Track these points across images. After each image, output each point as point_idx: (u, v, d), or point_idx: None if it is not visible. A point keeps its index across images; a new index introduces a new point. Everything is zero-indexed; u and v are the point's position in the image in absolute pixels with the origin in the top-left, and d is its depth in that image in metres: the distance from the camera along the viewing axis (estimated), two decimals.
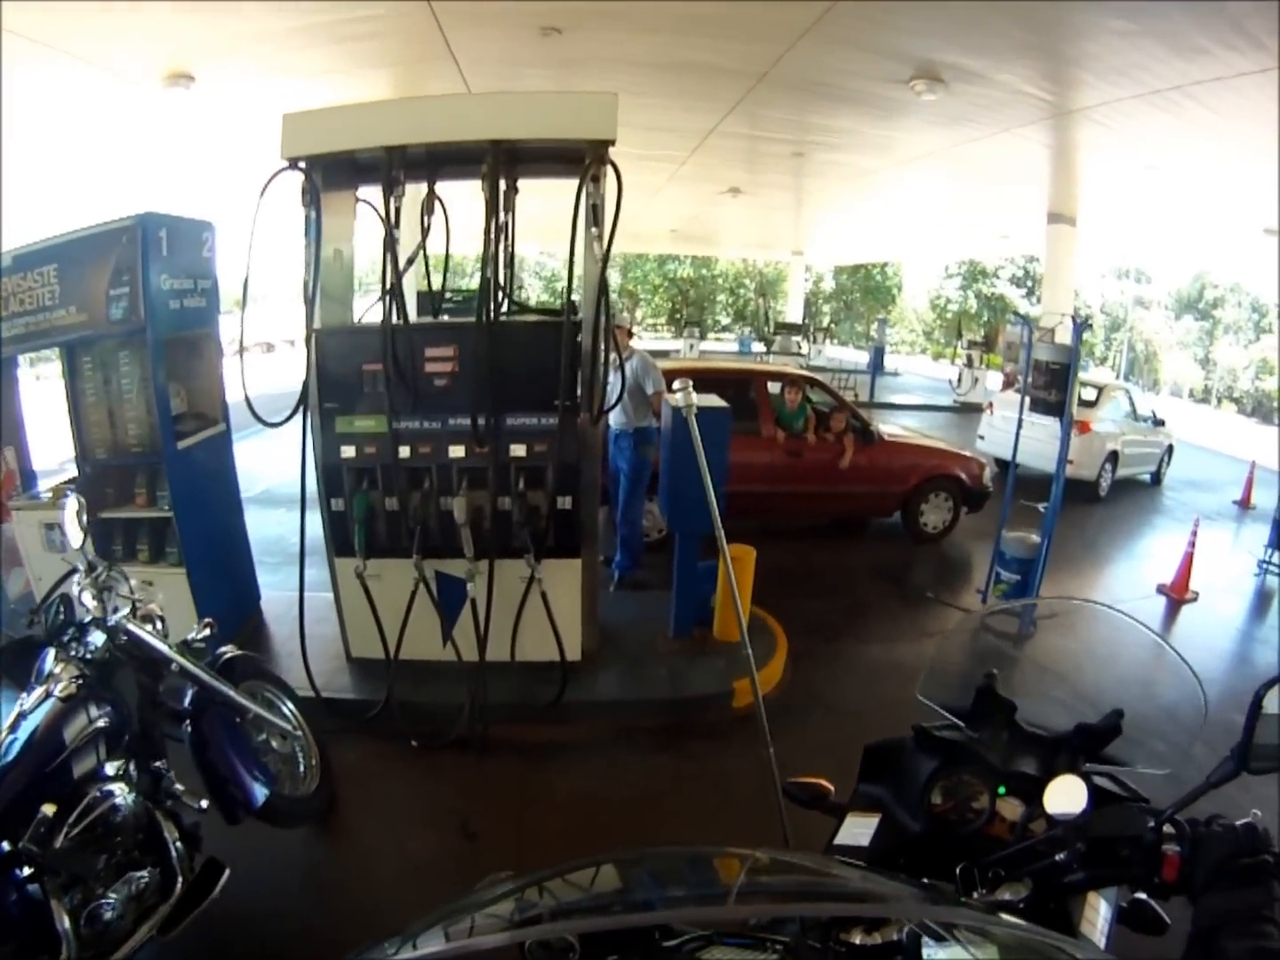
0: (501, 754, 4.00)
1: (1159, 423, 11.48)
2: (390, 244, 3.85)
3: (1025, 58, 6.52)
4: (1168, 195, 10.88)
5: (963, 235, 19.22)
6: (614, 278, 39.87)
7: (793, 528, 7.92)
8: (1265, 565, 7.91)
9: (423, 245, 4.06)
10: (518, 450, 4.06)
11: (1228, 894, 1.10)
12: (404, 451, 4.06)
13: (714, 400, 5.03)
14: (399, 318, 3.90)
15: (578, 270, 3.97)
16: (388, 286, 3.89)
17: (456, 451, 4.04)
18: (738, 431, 5.77)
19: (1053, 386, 6.23)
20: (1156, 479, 11.93)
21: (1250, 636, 6.53)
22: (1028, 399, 6.49)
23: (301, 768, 3.51)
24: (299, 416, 4.04)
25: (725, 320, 40.27)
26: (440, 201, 4.12)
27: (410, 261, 4.07)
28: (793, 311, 28.05)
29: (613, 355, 4.11)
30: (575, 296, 3.99)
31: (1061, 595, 6.39)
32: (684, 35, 6.61)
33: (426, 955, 0.99)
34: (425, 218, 3.96)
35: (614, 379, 5.09)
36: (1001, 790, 1.52)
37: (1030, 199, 12.38)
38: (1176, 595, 6.93)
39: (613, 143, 3.74)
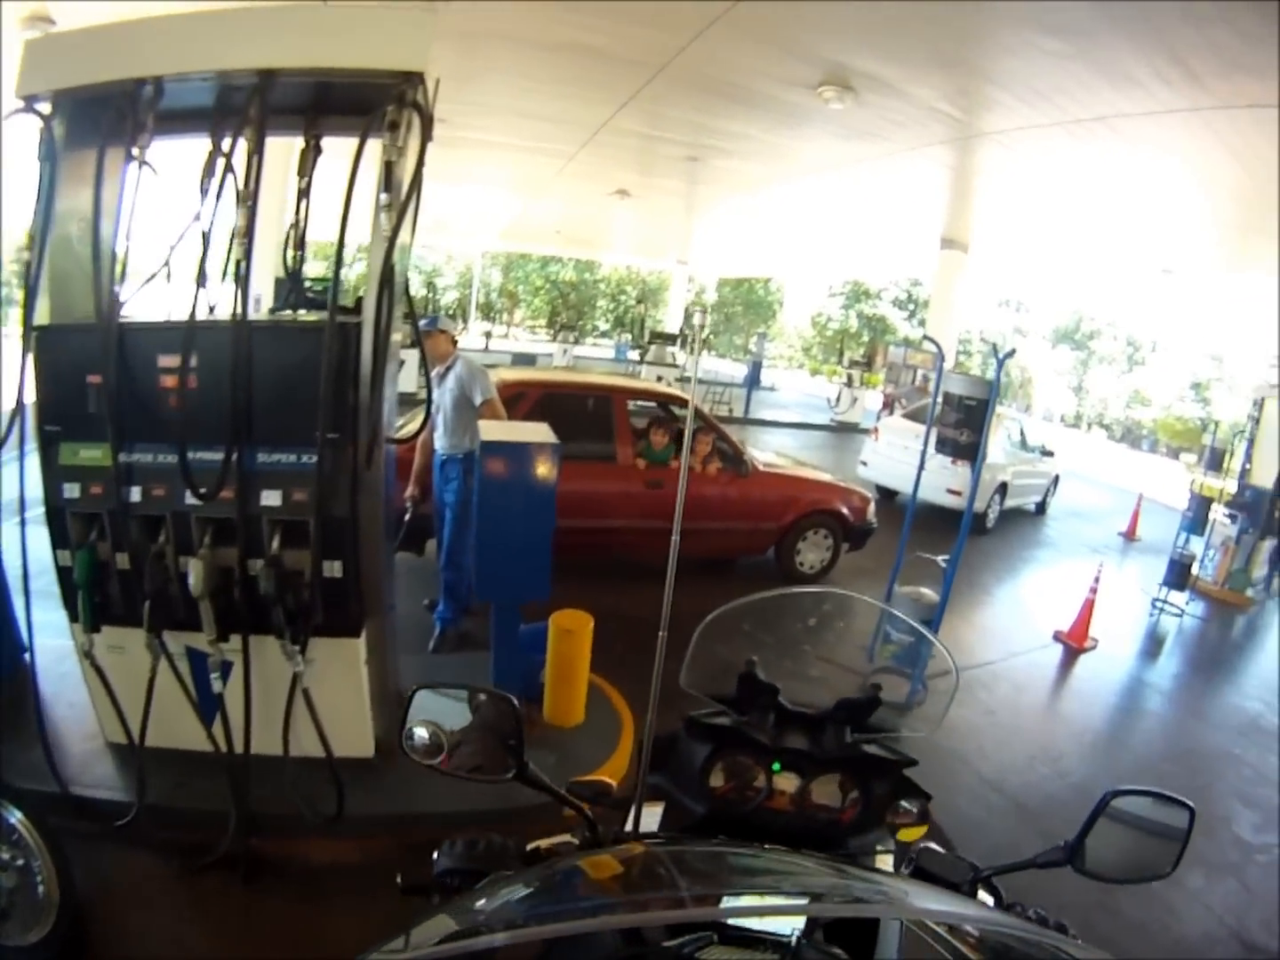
0: (274, 881, 3.03)
1: (1048, 453, 11.49)
2: (96, 212, 2.87)
3: (945, 70, 6.11)
4: (1061, 227, 10.93)
5: (850, 254, 19.29)
6: (494, 276, 38.85)
7: (647, 567, 7.04)
8: (1160, 604, 7.80)
9: (198, 217, 2.99)
10: (271, 498, 3.05)
11: None
12: (135, 494, 3.05)
13: (541, 432, 4.12)
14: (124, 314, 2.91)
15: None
16: (118, 270, 2.89)
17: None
18: (590, 457, 5.86)
19: (965, 426, 5.51)
20: (1041, 509, 12.01)
21: (1151, 685, 6.34)
22: (933, 436, 5.79)
23: (39, 897, 2.51)
24: (28, 443, 2.94)
25: (604, 326, 39.83)
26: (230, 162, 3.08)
27: (180, 238, 3.00)
28: (673, 321, 27.29)
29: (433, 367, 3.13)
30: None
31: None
32: (581, 15, 5.90)
33: (430, 955, 0.95)
34: (204, 180, 2.92)
35: (435, 394, 4.39)
36: (776, 767, 1.59)
37: (924, 222, 12.28)
38: (1076, 644, 6.60)
39: (422, 77, 2.86)
